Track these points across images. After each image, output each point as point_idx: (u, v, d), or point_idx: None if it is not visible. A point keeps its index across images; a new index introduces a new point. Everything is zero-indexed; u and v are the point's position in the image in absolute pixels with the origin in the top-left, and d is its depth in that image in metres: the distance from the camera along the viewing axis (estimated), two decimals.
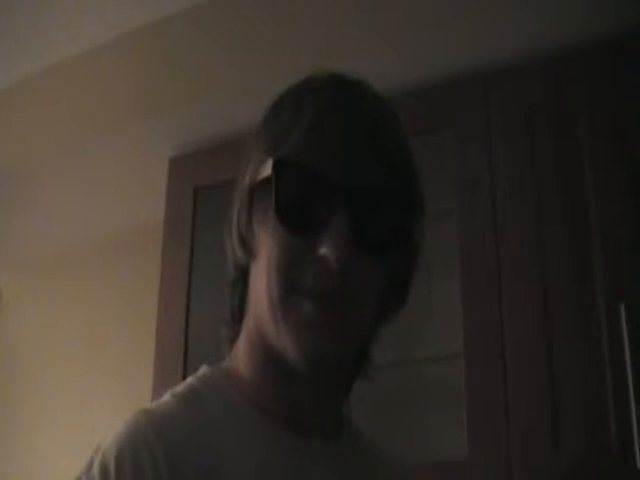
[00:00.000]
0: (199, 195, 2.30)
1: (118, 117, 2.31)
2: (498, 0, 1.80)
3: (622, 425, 1.55)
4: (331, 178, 0.82)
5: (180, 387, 0.89)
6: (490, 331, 1.72)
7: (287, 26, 1.98)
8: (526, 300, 1.72)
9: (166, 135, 2.34)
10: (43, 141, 2.42)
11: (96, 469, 0.77)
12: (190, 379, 0.91)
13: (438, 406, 1.94)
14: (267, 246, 0.84)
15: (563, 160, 1.78)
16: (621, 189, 1.69)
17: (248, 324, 0.90)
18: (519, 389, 1.67)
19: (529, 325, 1.70)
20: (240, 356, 0.91)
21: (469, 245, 1.80)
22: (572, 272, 1.70)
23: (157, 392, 2.11)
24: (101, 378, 2.67)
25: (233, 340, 0.93)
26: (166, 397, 0.87)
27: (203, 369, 0.92)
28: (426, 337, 1.92)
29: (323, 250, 0.80)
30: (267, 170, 0.84)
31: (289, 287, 0.82)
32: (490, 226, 1.79)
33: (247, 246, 0.88)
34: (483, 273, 1.76)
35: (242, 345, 0.91)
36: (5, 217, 2.77)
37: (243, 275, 0.91)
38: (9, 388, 2.90)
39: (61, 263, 2.93)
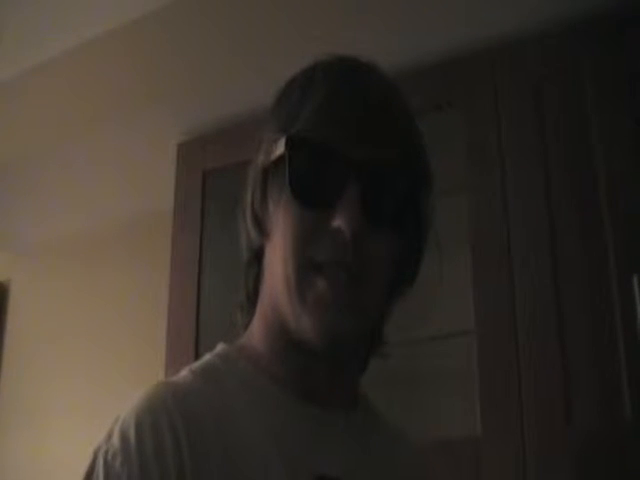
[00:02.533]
0: (208, 180, 2.30)
1: (124, 104, 2.31)
2: None
3: (636, 397, 1.55)
4: (343, 152, 0.83)
5: (198, 363, 0.91)
6: (501, 306, 1.72)
7: (290, 7, 1.97)
8: (537, 273, 1.71)
9: (173, 121, 2.34)
10: (50, 130, 2.43)
11: (116, 437, 0.79)
12: (207, 356, 0.93)
13: (450, 383, 1.94)
14: (281, 224, 0.86)
15: (571, 131, 1.77)
16: (630, 160, 1.68)
17: (263, 304, 0.92)
18: (531, 364, 1.67)
19: (540, 299, 1.69)
20: (255, 334, 0.93)
21: (479, 220, 1.80)
22: (583, 243, 1.69)
23: (169, 366, 2.12)
24: (112, 368, 2.68)
25: (248, 323, 0.95)
26: (184, 372, 0.89)
27: (220, 346, 0.94)
28: (437, 314, 1.92)
29: (336, 222, 0.81)
30: (280, 148, 0.86)
31: (304, 263, 0.83)
32: (499, 200, 1.78)
33: (261, 226, 0.90)
34: (493, 248, 1.76)
35: (257, 324, 0.93)
36: (13, 207, 2.78)
37: (257, 257, 0.93)
38: (19, 379, 2.91)
39: (70, 252, 2.93)
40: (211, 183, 2.29)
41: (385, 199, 0.85)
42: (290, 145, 0.85)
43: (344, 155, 0.83)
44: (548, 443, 1.62)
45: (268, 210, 0.89)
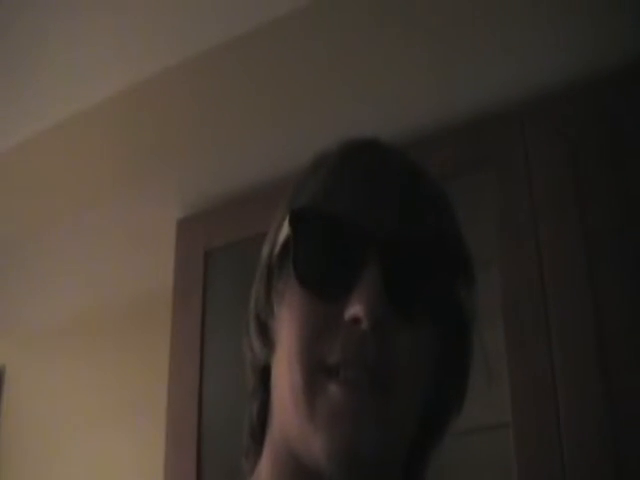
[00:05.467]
0: (210, 259, 2.14)
1: (120, 180, 2.20)
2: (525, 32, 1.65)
3: None
4: (358, 227, 0.67)
5: None
6: (541, 395, 1.52)
7: (295, 74, 1.85)
8: (579, 353, 1.53)
9: (172, 196, 2.22)
10: (43, 209, 2.32)
11: None
12: None
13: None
14: (286, 322, 0.68)
15: (610, 192, 1.60)
16: None
17: (273, 438, 0.73)
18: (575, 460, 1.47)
19: (582, 382, 1.51)
20: (262, 477, 0.72)
21: (513, 296, 1.62)
22: (629, 321, 1.50)
23: (169, 459, 1.98)
24: (112, 454, 2.55)
25: (253, 467, 0.75)
26: None
27: None
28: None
29: (352, 309, 0.65)
30: (284, 230, 0.71)
31: (314, 365, 0.65)
32: (536, 275, 1.60)
33: (267, 334, 0.72)
34: (529, 325, 1.58)
35: (265, 464, 0.73)
36: (8, 289, 2.67)
37: (263, 379, 0.74)
38: (16, 467, 2.77)
39: (67, 335, 2.82)
40: (214, 261, 2.14)
41: (412, 284, 0.67)
42: (295, 220, 0.69)
43: (360, 230, 0.67)
44: None
45: (273, 310, 0.72)
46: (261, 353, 0.74)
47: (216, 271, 2.13)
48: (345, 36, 1.72)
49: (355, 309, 0.64)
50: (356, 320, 0.64)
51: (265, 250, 0.75)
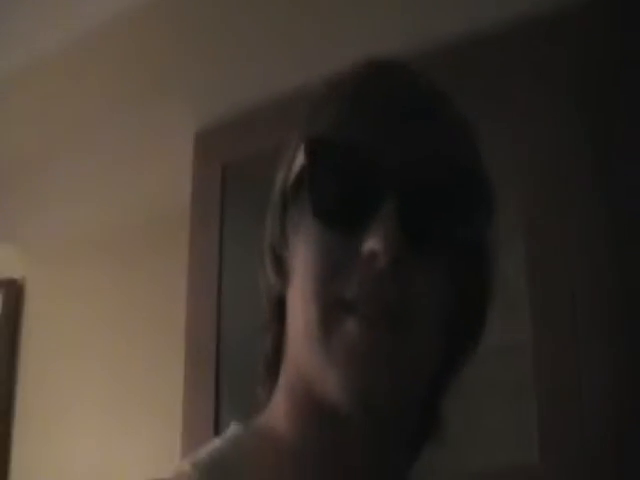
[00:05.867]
0: (228, 173, 2.11)
1: (136, 94, 2.16)
2: None
3: None
4: (376, 159, 0.64)
5: (204, 453, 0.70)
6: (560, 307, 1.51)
7: None
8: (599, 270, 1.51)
9: (190, 110, 2.18)
10: (60, 125, 2.29)
11: None
12: (217, 442, 0.72)
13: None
14: (301, 255, 0.67)
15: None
16: None
17: (287, 371, 0.72)
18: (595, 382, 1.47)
19: (603, 301, 1.49)
20: (278, 412, 0.72)
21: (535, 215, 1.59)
22: None
23: (188, 379, 1.98)
24: (132, 368, 2.57)
25: (268, 397, 0.75)
26: (186, 467, 0.68)
27: (232, 429, 0.74)
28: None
29: (370, 243, 0.63)
30: (299, 159, 0.68)
31: (330, 302, 0.64)
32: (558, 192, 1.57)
33: (282, 266, 0.70)
34: (551, 243, 1.55)
35: (279, 398, 0.73)
36: (24, 206, 2.67)
37: (278, 311, 0.73)
38: (33, 381, 2.80)
39: (84, 249, 2.81)
40: (231, 175, 2.11)
41: (432, 218, 0.65)
42: (310, 150, 0.66)
43: (376, 161, 0.64)
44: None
45: (287, 242, 0.70)
46: (276, 285, 0.72)
47: (234, 185, 2.11)
48: None
49: (373, 243, 0.62)
50: (373, 255, 0.63)
51: (279, 176, 0.73)
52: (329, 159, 0.66)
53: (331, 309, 0.64)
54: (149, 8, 1.91)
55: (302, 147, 0.68)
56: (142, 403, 2.49)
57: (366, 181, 0.65)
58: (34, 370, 2.81)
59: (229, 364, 1.95)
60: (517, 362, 1.57)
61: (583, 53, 1.61)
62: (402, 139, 0.66)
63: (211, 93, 2.13)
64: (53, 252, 2.90)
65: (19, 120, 2.30)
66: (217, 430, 1.89)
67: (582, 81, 1.60)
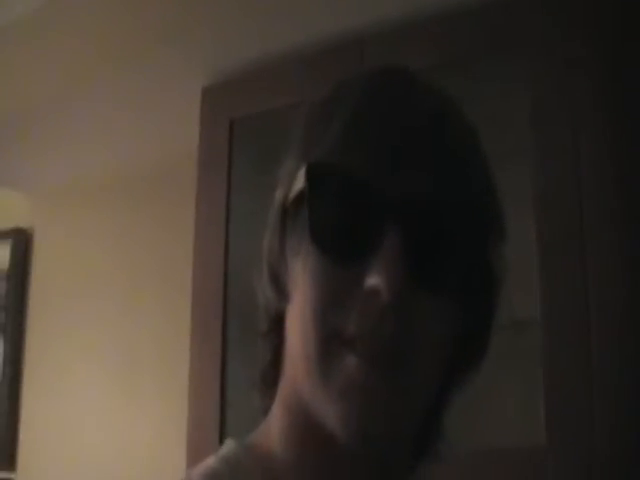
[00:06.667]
0: (235, 128, 2.08)
1: (145, 44, 2.11)
2: None
3: None
4: (379, 187, 0.60)
5: (197, 471, 0.68)
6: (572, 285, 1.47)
7: None
8: (611, 251, 1.46)
9: (198, 63, 2.13)
10: (70, 72, 2.26)
11: None
12: (211, 460, 0.69)
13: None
14: (300, 283, 0.64)
15: None
16: None
17: (284, 387, 0.69)
18: (605, 363, 1.43)
19: (614, 282, 1.45)
20: (273, 429, 0.70)
21: (546, 188, 1.54)
22: None
23: (195, 322, 2.00)
24: (139, 316, 2.57)
25: (266, 409, 0.72)
26: None
27: (227, 445, 0.71)
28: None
29: (372, 280, 0.60)
30: (300, 181, 0.65)
31: (329, 335, 0.61)
32: (570, 168, 1.52)
33: (280, 285, 0.67)
34: (563, 223, 1.51)
35: (276, 415, 0.70)
36: (34, 152, 2.65)
37: (277, 324, 0.70)
38: (42, 331, 2.80)
39: (92, 198, 2.80)
40: (239, 130, 2.08)
41: (438, 251, 0.62)
42: (312, 174, 0.63)
43: (379, 190, 0.61)
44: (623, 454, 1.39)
45: (287, 262, 0.67)
46: (274, 302, 0.70)
47: (241, 141, 2.08)
48: None
49: (374, 280, 0.60)
50: (375, 293, 0.60)
51: (279, 193, 0.69)
52: (331, 186, 0.63)
53: (330, 343, 0.62)
54: None
55: (303, 169, 0.64)
56: (150, 347, 2.50)
57: (368, 211, 0.61)
58: (43, 320, 2.81)
59: (235, 312, 1.94)
60: (526, 342, 1.54)
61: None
62: (408, 165, 0.62)
63: (219, 49, 2.09)
64: (61, 201, 2.88)
65: (24, 67, 2.26)
66: (223, 379, 1.90)
67: None
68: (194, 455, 1.86)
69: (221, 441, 0.73)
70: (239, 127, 2.08)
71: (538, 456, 1.45)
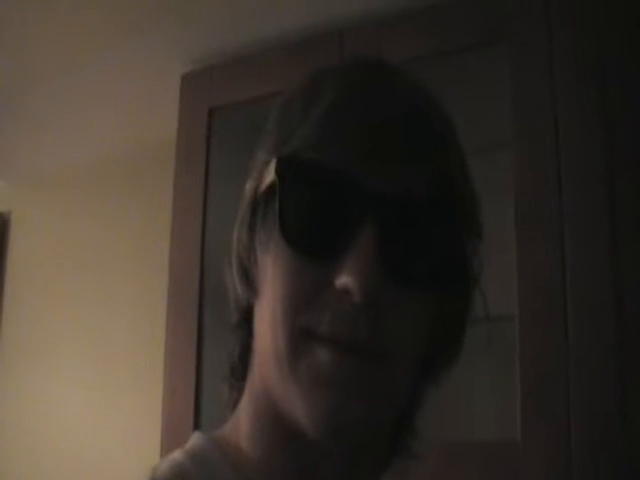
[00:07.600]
0: (214, 116, 2.06)
1: (124, 30, 2.09)
2: None
3: None
4: (352, 180, 0.59)
5: (165, 467, 0.66)
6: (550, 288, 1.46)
7: None
8: (591, 242, 1.46)
9: (178, 49, 2.11)
10: (47, 56, 2.23)
11: None
12: (177, 454, 0.68)
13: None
14: (270, 278, 0.62)
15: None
16: None
17: (253, 381, 0.68)
18: (583, 353, 1.43)
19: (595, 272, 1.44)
20: (242, 424, 0.68)
21: (526, 182, 1.53)
22: None
23: (171, 311, 1.99)
24: (116, 300, 2.57)
25: (235, 403, 0.70)
26: None
27: (194, 439, 0.69)
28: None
29: (343, 279, 0.58)
30: (270, 174, 0.63)
31: (300, 331, 0.59)
32: (552, 161, 1.51)
33: (249, 279, 0.65)
34: (542, 214, 1.50)
35: (245, 409, 0.69)
36: (11, 136, 2.62)
37: (247, 318, 0.68)
38: (21, 314, 2.79)
39: (70, 184, 2.79)
40: (218, 119, 2.06)
41: (412, 247, 0.60)
42: (282, 169, 0.61)
43: (355, 185, 0.59)
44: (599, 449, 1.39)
45: (256, 256, 0.65)
46: (244, 295, 0.68)
47: (220, 128, 2.06)
48: None
49: (347, 280, 0.58)
50: (347, 292, 0.58)
51: (249, 186, 0.67)
52: (302, 181, 0.61)
53: (300, 339, 0.60)
54: None
55: (274, 161, 0.62)
56: (125, 333, 2.50)
57: (342, 205, 0.60)
58: (19, 305, 2.80)
59: (212, 301, 1.93)
60: (501, 336, 1.53)
61: None
62: (382, 159, 0.60)
63: (199, 36, 2.07)
64: (39, 186, 2.87)
65: (2, 50, 2.22)
66: (199, 368, 1.89)
67: None
68: (168, 445, 1.85)
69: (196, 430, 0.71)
70: (218, 115, 2.06)
71: (513, 450, 1.45)
